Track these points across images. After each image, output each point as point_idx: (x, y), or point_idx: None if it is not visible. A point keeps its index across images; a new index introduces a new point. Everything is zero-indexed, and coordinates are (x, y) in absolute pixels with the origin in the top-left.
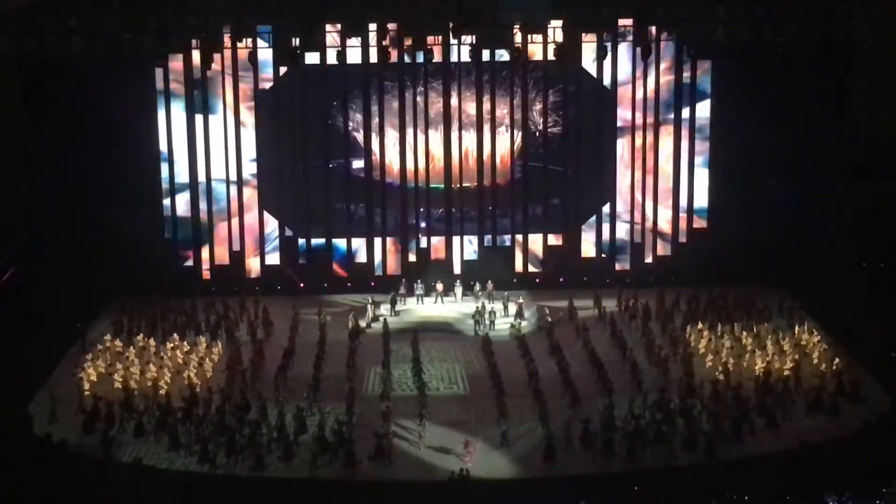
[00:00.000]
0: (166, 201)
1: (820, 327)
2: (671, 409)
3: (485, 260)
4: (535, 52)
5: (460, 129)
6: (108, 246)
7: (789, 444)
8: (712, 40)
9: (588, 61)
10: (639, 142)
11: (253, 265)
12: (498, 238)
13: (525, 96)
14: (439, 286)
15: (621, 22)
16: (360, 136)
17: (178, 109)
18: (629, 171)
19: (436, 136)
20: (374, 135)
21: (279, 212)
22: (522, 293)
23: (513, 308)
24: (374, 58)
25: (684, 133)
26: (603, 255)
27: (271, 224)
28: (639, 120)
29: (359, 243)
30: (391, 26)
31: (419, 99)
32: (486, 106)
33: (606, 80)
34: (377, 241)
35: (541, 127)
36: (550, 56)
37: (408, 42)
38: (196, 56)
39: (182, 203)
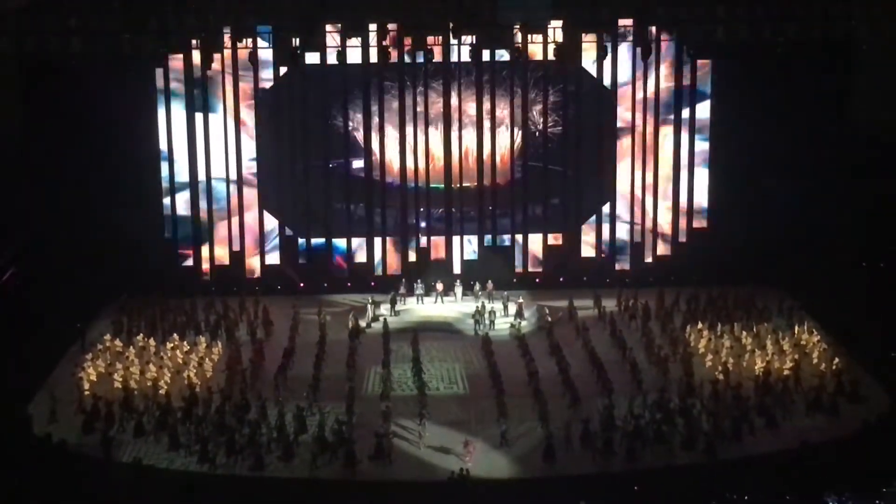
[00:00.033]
0: (166, 201)
1: (820, 327)
2: (671, 409)
3: (485, 260)
4: (535, 52)
5: (460, 128)
6: (108, 246)
7: (789, 444)
8: (712, 40)
9: (588, 61)
10: (639, 142)
11: (253, 265)
12: (498, 238)
13: (525, 96)
14: (439, 286)
15: (621, 22)
16: (360, 136)
17: (179, 109)
18: (629, 171)
19: (436, 136)
20: (374, 135)
21: (279, 211)
22: (522, 293)
23: (513, 308)
24: (374, 58)
25: (684, 133)
26: (603, 255)
27: (271, 224)
28: (639, 120)
29: (359, 243)
30: (391, 26)
31: (419, 99)
32: (486, 106)
33: (606, 80)
34: (377, 240)
35: (541, 127)
36: (550, 56)
37: (408, 42)
38: (196, 56)
39: (182, 202)
